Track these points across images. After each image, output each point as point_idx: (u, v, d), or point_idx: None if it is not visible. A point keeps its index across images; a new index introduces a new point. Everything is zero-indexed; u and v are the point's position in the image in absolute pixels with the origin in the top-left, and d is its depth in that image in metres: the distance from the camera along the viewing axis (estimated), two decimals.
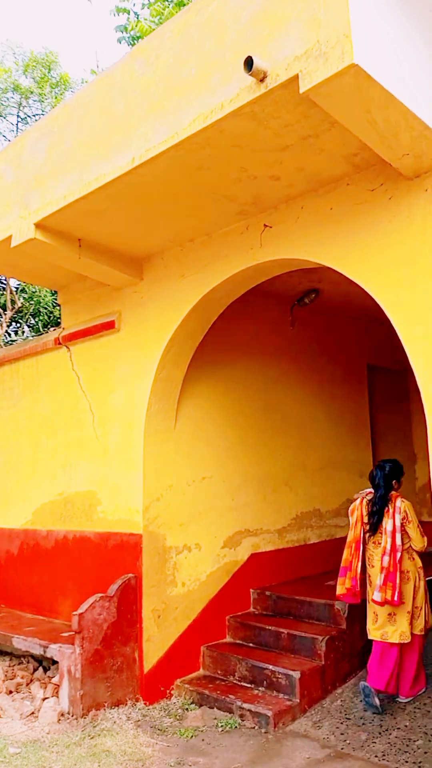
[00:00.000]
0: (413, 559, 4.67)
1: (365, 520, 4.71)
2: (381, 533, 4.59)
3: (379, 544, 4.59)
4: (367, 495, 4.84)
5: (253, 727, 4.44)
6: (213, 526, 5.62)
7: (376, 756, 3.93)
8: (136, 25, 9.52)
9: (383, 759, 3.88)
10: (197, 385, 5.65)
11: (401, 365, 8.13)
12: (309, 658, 4.92)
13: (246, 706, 4.59)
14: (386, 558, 4.48)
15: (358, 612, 5.20)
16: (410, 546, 4.61)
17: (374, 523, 4.61)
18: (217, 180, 4.07)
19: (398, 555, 4.49)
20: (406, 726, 4.24)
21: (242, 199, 4.32)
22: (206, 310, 5.10)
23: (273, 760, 3.99)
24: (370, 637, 4.65)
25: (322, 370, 7.04)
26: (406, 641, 4.51)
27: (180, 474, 5.45)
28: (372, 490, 4.82)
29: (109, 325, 5.72)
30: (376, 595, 4.51)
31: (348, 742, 4.15)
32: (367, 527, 4.65)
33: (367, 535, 4.69)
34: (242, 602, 5.80)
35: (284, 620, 5.45)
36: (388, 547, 4.49)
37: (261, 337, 6.36)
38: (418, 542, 4.57)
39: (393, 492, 4.71)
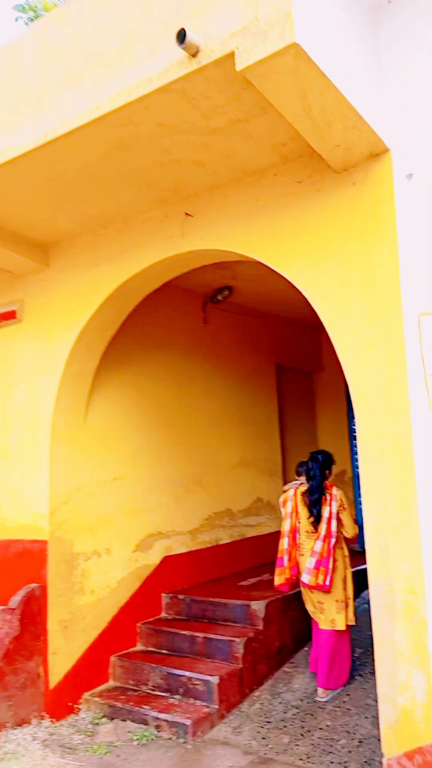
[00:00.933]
0: (342, 548, 4.74)
1: (299, 510, 4.78)
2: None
3: (313, 532, 4.66)
4: (299, 486, 4.90)
5: (171, 738, 4.24)
6: (124, 529, 5.36)
7: (300, 759, 3.85)
8: (39, 2, 9.02)
9: (308, 761, 3.81)
10: (109, 381, 5.37)
11: (308, 365, 8.26)
12: (226, 661, 4.78)
13: (162, 716, 4.37)
14: (319, 543, 4.57)
15: (274, 612, 5.14)
16: (341, 533, 4.71)
17: (318, 513, 4.66)
18: (138, 162, 3.84)
19: (332, 541, 4.59)
20: (328, 726, 4.20)
21: (163, 185, 4.12)
22: (121, 302, 4.84)
23: None
24: (321, 626, 4.67)
25: (234, 368, 6.96)
26: (339, 629, 4.57)
27: (90, 475, 5.14)
28: (302, 482, 4.92)
29: (9, 315, 5.31)
30: (305, 578, 4.58)
31: (270, 746, 4.05)
32: (312, 518, 4.69)
33: (299, 524, 4.76)
34: (154, 607, 5.57)
35: (199, 624, 5.28)
36: (323, 533, 4.58)
37: (174, 333, 6.17)
38: (351, 529, 4.69)
39: (326, 481, 4.79)
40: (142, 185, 4.11)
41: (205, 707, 4.44)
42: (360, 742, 3.96)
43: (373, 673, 4.86)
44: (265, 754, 3.96)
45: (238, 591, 5.61)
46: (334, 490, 4.74)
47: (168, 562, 5.72)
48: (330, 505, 4.64)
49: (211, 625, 5.23)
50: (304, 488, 4.83)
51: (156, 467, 5.76)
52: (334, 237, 3.64)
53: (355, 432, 7.61)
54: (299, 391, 8.37)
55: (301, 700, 4.59)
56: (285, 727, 4.27)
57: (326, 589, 4.52)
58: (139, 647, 5.30)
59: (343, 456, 8.20)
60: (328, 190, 3.69)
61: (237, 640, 4.78)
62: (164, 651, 5.16)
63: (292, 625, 5.33)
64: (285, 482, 7.54)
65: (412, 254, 3.37)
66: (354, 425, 7.58)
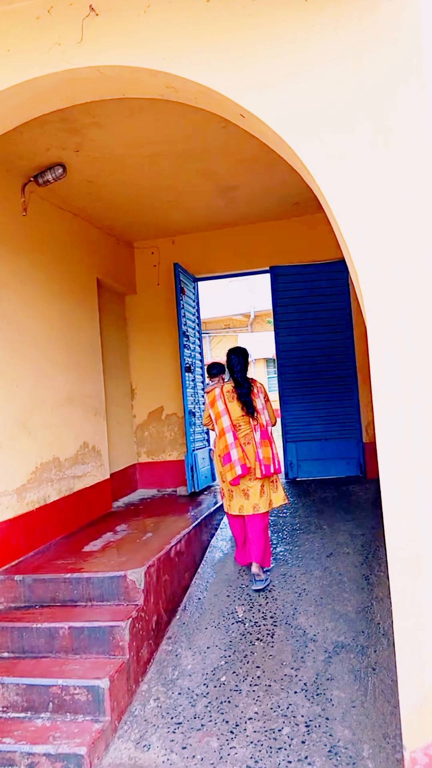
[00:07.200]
0: None
1: (229, 406, 4.68)
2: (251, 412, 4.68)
3: (249, 423, 4.66)
4: (223, 384, 4.87)
5: None
6: None
7: (247, 765, 2.96)
8: None
9: (258, 766, 2.94)
10: None
11: (122, 285, 7.08)
12: (107, 654, 3.60)
13: (37, 748, 3.06)
14: (258, 434, 4.59)
15: (151, 580, 4.08)
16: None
17: (251, 404, 4.64)
18: None
19: (270, 429, 4.70)
20: (257, 713, 3.36)
21: None
22: None
23: None
24: (260, 511, 4.56)
25: (58, 278, 5.42)
26: (287, 502, 4.78)
27: None
28: (220, 381, 5.26)
29: None
30: (270, 468, 4.53)
31: (199, 757, 3.07)
32: (245, 410, 4.64)
33: (232, 417, 4.66)
34: None
35: (52, 610, 3.94)
36: (264, 422, 4.66)
37: None
38: (274, 418, 4.84)
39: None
40: None
41: (94, 722, 3.26)
42: (307, 726, 3.22)
43: (271, 635, 4.18)
44: None
45: (91, 558, 4.38)
46: (258, 383, 4.81)
47: None
48: (258, 397, 4.71)
49: (70, 609, 3.94)
50: (230, 385, 4.76)
51: None
52: (332, 69, 2.61)
53: (187, 364, 6.71)
54: (113, 315, 7.11)
55: (205, 684, 3.67)
56: (203, 726, 3.32)
57: (279, 472, 4.64)
58: None
59: (166, 393, 7.30)
60: (325, 2, 2.63)
61: (122, 624, 3.62)
62: (6, 654, 3.74)
63: (165, 592, 4.33)
64: (107, 424, 6.35)
65: None
66: (185, 357, 6.70)
